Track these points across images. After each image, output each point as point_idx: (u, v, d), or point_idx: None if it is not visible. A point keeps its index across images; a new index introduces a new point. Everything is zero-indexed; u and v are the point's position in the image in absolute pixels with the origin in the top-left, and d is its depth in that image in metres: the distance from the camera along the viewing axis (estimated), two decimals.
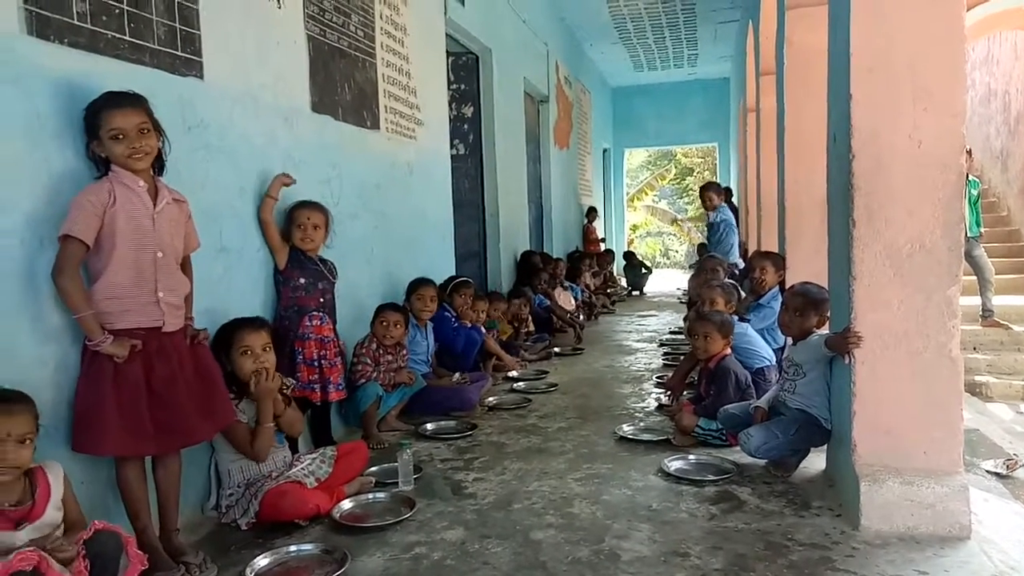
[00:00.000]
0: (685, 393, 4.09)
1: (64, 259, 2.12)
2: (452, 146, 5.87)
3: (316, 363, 3.28)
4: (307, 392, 3.24)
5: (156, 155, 2.32)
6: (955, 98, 2.45)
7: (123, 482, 2.30)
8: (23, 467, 1.83)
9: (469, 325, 4.84)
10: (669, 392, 4.04)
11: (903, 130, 2.48)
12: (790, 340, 3.22)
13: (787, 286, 4.29)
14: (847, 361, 2.62)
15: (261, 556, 2.37)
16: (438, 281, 4.65)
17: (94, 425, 2.16)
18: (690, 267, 10.64)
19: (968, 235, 6.88)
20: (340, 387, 3.38)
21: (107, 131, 2.18)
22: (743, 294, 4.95)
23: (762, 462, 3.13)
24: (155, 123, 2.30)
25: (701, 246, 11.45)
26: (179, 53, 2.70)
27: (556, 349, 6.26)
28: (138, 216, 2.25)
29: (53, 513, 1.87)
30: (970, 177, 7.16)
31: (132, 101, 2.24)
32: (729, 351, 3.67)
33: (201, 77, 2.80)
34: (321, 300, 3.34)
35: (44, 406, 2.12)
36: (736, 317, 4.05)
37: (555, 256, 8.62)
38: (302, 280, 3.28)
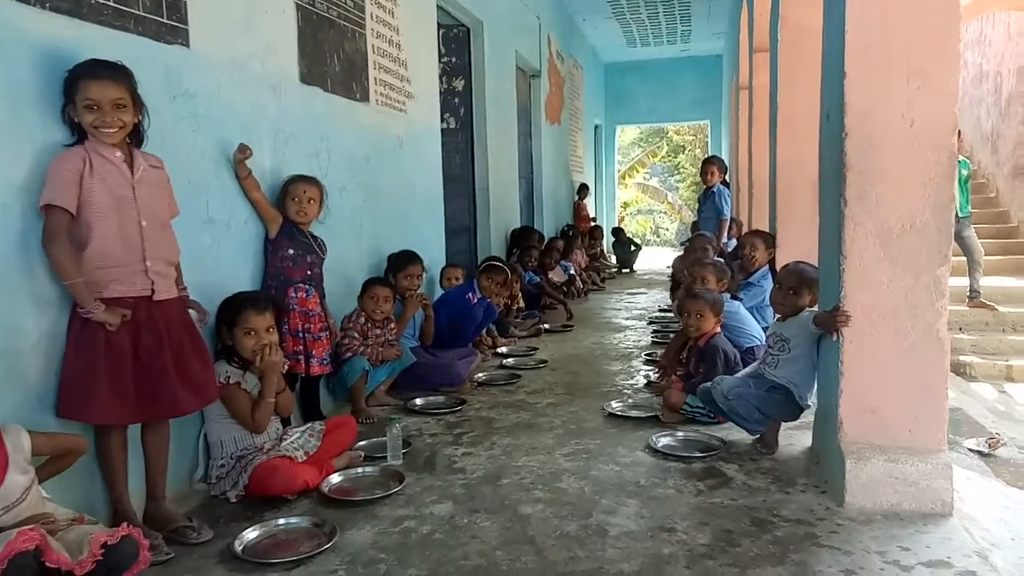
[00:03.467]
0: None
1: (52, 228, 2.10)
2: (443, 120, 5.82)
3: (300, 335, 3.26)
4: (291, 363, 3.23)
5: (133, 129, 2.29)
6: (949, 78, 2.44)
7: (103, 450, 2.30)
8: None
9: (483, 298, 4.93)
10: (661, 371, 4.06)
11: (896, 109, 2.47)
12: (779, 318, 3.23)
13: (777, 265, 4.31)
14: (835, 339, 2.64)
15: (250, 528, 2.38)
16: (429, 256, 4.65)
17: (82, 392, 2.16)
18: (681, 244, 10.62)
19: (958, 216, 6.91)
20: (324, 362, 3.36)
21: (82, 98, 2.15)
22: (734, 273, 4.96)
23: (749, 440, 3.16)
24: (135, 98, 2.25)
25: (695, 224, 11.44)
26: (164, 20, 2.64)
27: (546, 326, 6.27)
28: (117, 186, 2.22)
29: (17, 478, 1.83)
30: (960, 158, 7.18)
31: (113, 73, 2.19)
32: (719, 329, 3.68)
33: (187, 45, 2.75)
34: (308, 273, 3.32)
35: (31, 375, 2.13)
36: (728, 295, 4.07)
37: (543, 231, 8.61)
38: (290, 251, 3.25)
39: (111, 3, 2.39)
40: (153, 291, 2.29)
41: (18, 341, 2.10)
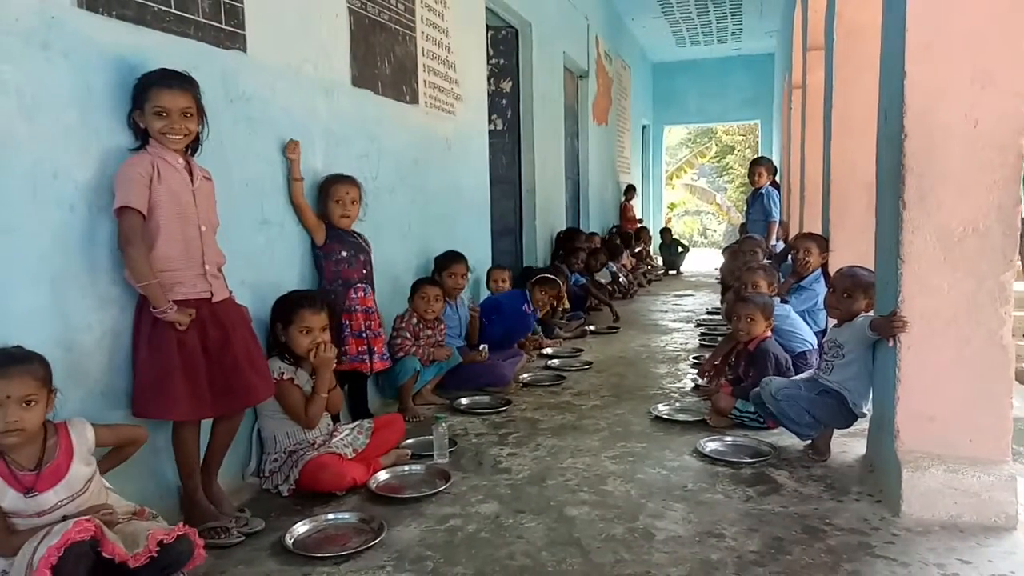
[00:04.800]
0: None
1: (128, 230, 2.18)
2: (490, 121, 5.85)
3: (363, 334, 3.32)
4: (357, 364, 3.29)
5: (193, 137, 2.37)
6: (1017, 77, 2.35)
7: (181, 444, 2.39)
8: (29, 430, 1.79)
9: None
10: (707, 376, 4.01)
11: (959, 109, 2.39)
12: (833, 322, 3.16)
13: (830, 269, 4.21)
14: (891, 344, 2.57)
15: (300, 523, 2.43)
16: (474, 258, 4.68)
17: (161, 392, 2.24)
18: (724, 250, 10.35)
19: None
20: (384, 356, 3.45)
21: (152, 106, 2.24)
22: (782, 276, 4.87)
23: (800, 446, 3.10)
24: (199, 107, 2.35)
25: (743, 226, 11.23)
26: (223, 26, 2.71)
27: (591, 327, 6.24)
28: (180, 191, 2.31)
29: (81, 468, 1.90)
30: None
31: (182, 83, 2.29)
32: (769, 333, 3.61)
33: (244, 50, 2.82)
34: (364, 272, 3.37)
35: (94, 371, 2.21)
36: (778, 299, 3.99)
37: (589, 232, 8.58)
38: (344, 253, 3.29)
39: (173, 10, 2.47)
40: (212, 293, 2.38)
41: (83, 338, 2.19)
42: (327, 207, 3.27)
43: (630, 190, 11.85)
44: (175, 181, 2.29)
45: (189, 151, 2.40)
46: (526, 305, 4.89)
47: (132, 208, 2.17)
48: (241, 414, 2.54)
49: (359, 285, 3.32)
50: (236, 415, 2.51)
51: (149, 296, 2.21)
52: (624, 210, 11.63)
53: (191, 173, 2.36)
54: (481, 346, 4.37)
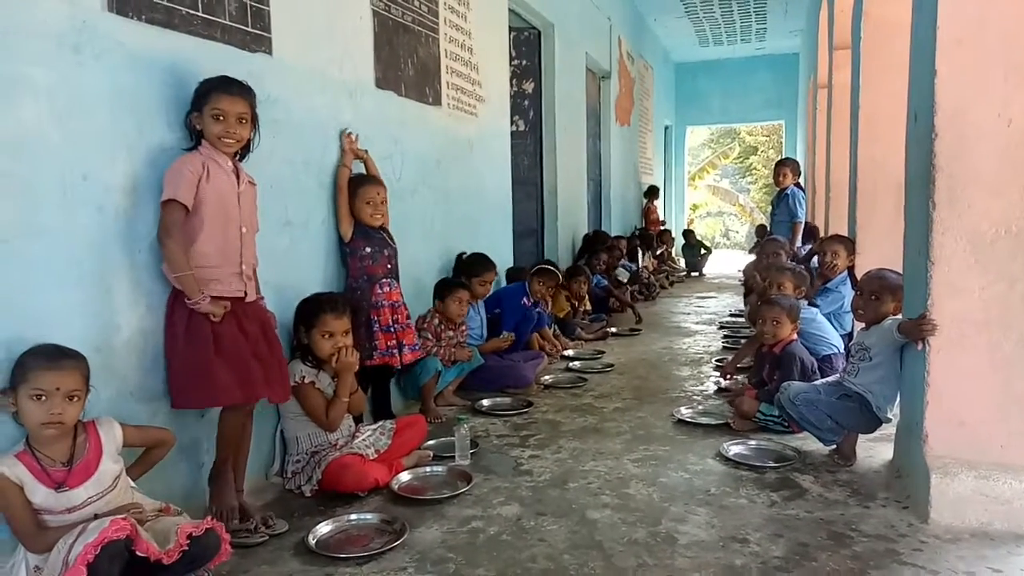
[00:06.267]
0: (742, 377, 4.02)
1: (169, 222, 2.24)
2: (512, 122, 5.84)
3: (392, 328, 3.34)
4: (387, 359, 3.31)
5: (244, 143, 2.44)
6: None
7: (229, 429, 2.43)
8: (69, 423, 1.84)
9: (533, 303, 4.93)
10: (729, 377, 3.97)
11: (992, 108, 2.35)
12: (861, 326, 3.12)
13: (856, 271, 4.15)
14: (920, 348, 2.53)
15: (323, 523, 2.44)
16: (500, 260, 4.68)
17: (204, 382, 2.27)
18: (751, 251, 10.17)
19: None
20: (415, 347, 3.47)
21: (210, 109, 2.32)
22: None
23: (825, 451, 3.06)
24: (254, 116, 2.44)
25: (760, 228, 11.13)
26: (249, 29, 2.74)
27: (613, 329, 6.22)
28: (226, 193, 2.37)
29: (109, 466, 1.94)
30: None
31: (242, 90, 2.39)
32: (795, 336, 3.57)
33: (270, 53, 2.85)
34: (388, 267, 3.39)
35: (122, 369, 2.24)
36: (806, 302, 3.94)
37: (611, 233, 8.55)
38: (368, 249, 3.31)
39: (200, 13, 2.50)
40: (245, 293, 2.43)
41: (112, 337, 2.21)
42: (356, 207, 3.30)
43: (653, 191, 11.75)
44: (222, 183, 2.36)
45: (238, 156, 2.47)
46: (525, 298, 4.84)
47: (177, 202, 2.23)
48: (251, 420, 2.55)
49: (384, 280, 3.34)
50: (247, 420, 2.53)
51: (184, 287, 2.26)
52: (647, 212, 11.56)
53: (238, 177, 2.44)
54: (504, 332, 4.37)
